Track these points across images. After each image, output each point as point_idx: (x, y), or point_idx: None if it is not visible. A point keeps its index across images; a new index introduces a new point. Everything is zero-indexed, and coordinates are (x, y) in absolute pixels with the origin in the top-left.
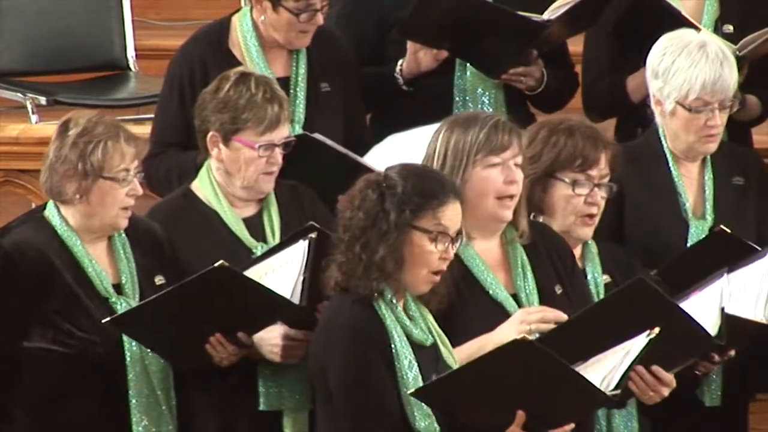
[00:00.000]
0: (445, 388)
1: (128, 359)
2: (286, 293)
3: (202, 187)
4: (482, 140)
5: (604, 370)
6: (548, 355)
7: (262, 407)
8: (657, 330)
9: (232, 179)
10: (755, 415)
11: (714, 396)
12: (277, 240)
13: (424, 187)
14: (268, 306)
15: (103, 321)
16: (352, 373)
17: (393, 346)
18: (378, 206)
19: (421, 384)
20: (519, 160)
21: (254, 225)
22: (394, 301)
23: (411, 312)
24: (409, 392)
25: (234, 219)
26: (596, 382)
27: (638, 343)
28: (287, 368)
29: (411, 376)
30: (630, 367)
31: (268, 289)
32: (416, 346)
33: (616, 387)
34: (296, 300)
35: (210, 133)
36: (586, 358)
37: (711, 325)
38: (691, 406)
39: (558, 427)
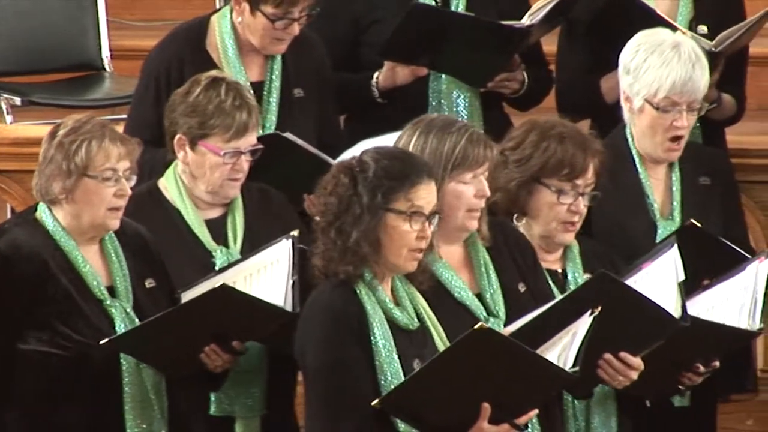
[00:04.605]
0: (408, 392)
1: (123, 364)
2: (276, 297)
3: (168, 185)
4: (459, 155)
5: (556, 351)
6: (508, 341)
7: (212, 412)
8: (599, 309)
9: (197, 182)
10: (729, 414)
11: (683, 396)
12: (239, 244)
13: (395, 169)
14: (264, 316)
15: (101, 342)
16: (326, 355)
17: (371, 330)
18: (350, 190)
19: (399, 368)
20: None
21: (217, 227)
22: (375, 283)
23: (398, 295)
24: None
25: (196, 220)
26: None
27: (583, 322)
28: (239, 374)
29: (388, 361)
30: (582, 345)
31: (266, 302)
32: (399, 331)
33: (573, 365)
34: (288, 306)
35: (177, 136)
36: (537, 346)
37: (671, 301)
38: (660, 406)
39: (523, 415)
